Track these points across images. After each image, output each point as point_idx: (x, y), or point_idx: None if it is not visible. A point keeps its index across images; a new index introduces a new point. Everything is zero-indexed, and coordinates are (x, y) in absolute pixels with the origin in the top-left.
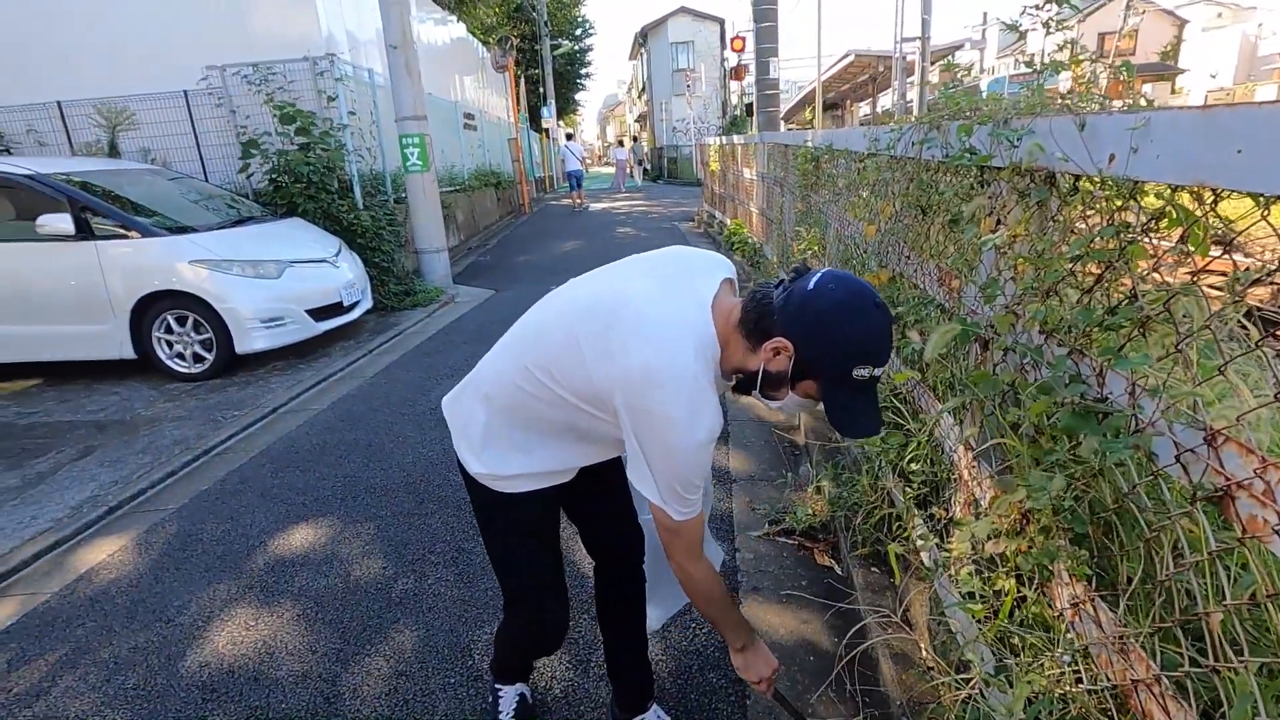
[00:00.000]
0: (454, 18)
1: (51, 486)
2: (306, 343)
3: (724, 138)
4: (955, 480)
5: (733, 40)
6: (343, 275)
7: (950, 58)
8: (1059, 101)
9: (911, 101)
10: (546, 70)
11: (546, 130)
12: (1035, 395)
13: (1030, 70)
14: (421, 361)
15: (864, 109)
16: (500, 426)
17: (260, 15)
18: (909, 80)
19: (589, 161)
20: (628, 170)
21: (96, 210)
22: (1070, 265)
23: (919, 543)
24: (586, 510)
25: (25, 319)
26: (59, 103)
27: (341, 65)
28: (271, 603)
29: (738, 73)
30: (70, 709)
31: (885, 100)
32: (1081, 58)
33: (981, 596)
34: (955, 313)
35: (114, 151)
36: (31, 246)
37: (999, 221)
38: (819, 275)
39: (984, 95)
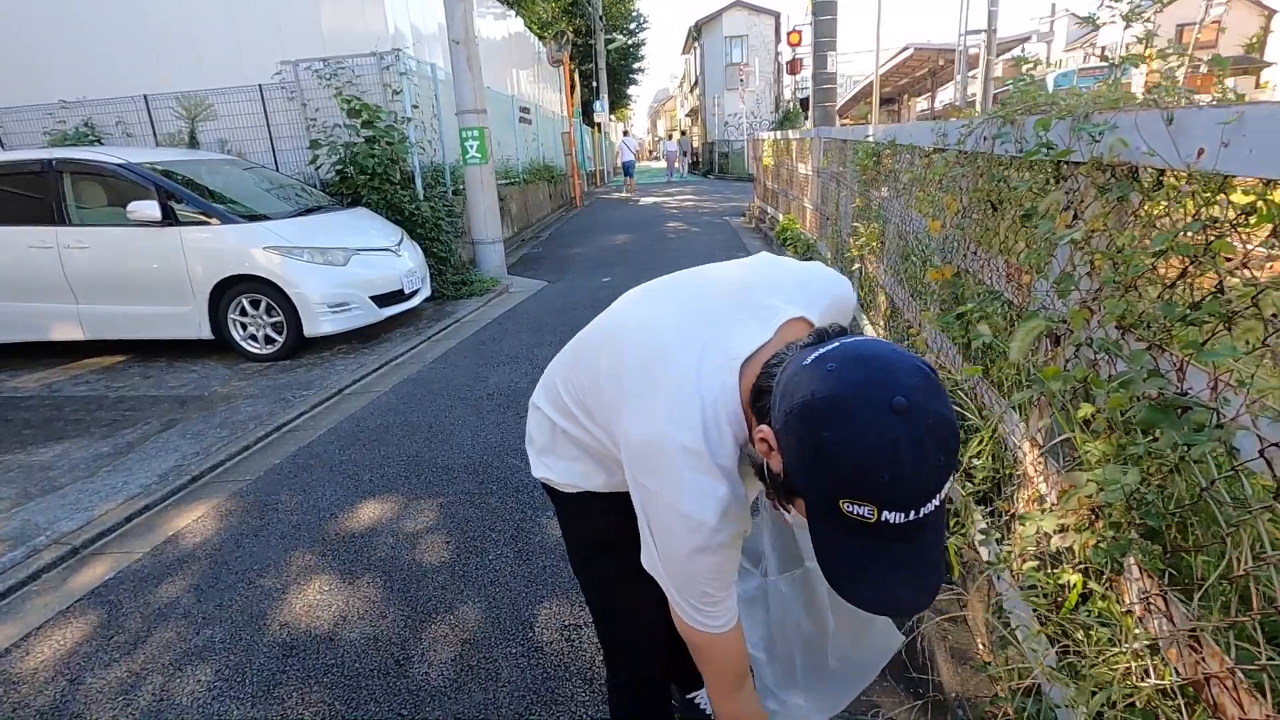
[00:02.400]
0: (512, 13)
1: (140, 455)
2: (369, 328)
3: (778, 132)
4: (1019, 476)
5: (789, 34)
6: (404, 264)
7: (1021, 49)
8: (1140, 97)
9: (974, 96)
10: (600, 65)
11: (599, 124)
12: (1113, 390)
13: (1104, 64)
14: (477, 349)
15: (921, 104)
16: (558, 435)
17: (332, 12)
18: (970, 74)
19: (640, 156)
20: (675, 163)
21: (180, 198)
22: (1152, 260)
23: (978, 538)
24: None
25: (117, 299)
26: (145, 96)
27: (406, 60)
28: (343, 570)
29: (793, 67)
30: (162, 661)
31: (944, 95)
32: (1163, 50)
33: (1044, 591)
34: (1024, 308)
35: (194, 142)
36: (122, 231)
37: (1075, 216)
38: (830, 347)
39: (1050, 90)
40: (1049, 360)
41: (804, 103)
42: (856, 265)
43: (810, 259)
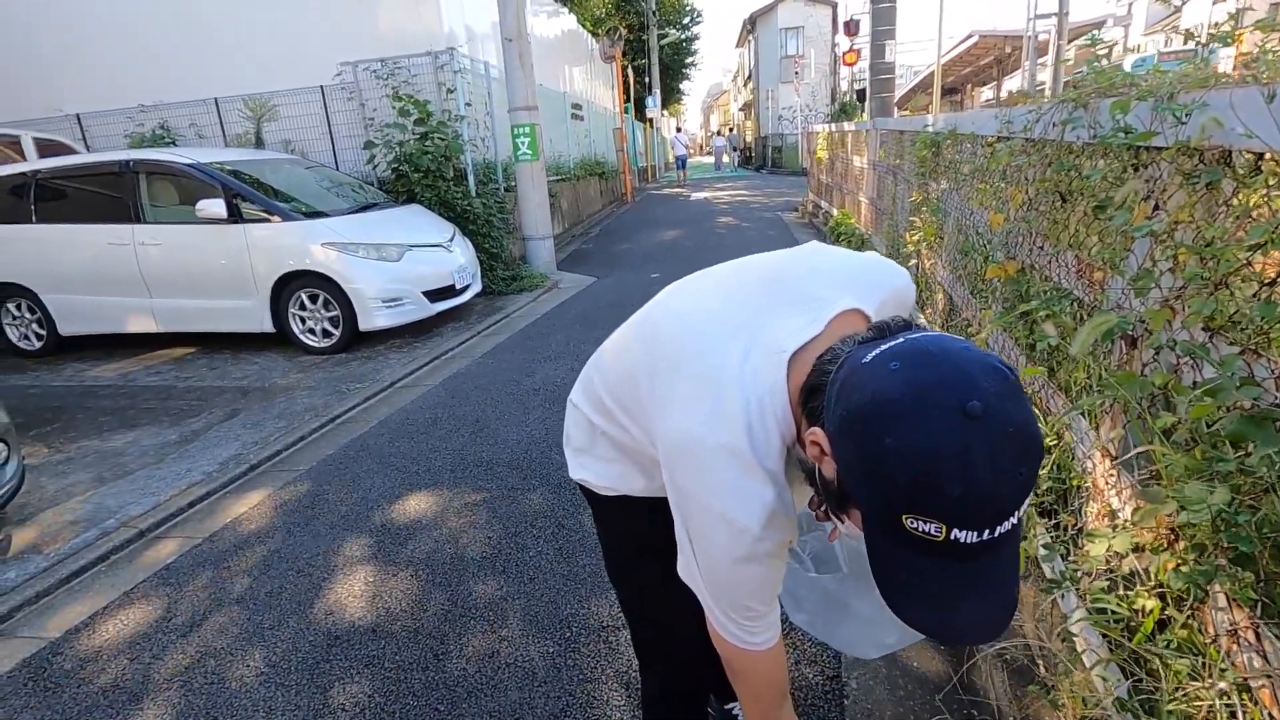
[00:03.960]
0: (565, 9)
1: (204, 443)
2: (420, 322)
3: (833, 125)
4: (1088, 488)
5: (846, 24)
6: (456, 260)
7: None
8: (1234, 76)
9: (1042, 84)
10: (652, 60)
11: (650, 120)
12: (1198, 398)
13: (1188, 48)
14: (526, 344)
15: (986, 94)
16: (596, 435)
17: (388, 13)
18: (1040, 61)
19: (691, 150)
20: (723, 157)
21: (245, 196)
22: (1247, 255)
23: (1040, 552)
24: None
25: (187, 293)
26: (215, 99)
27: (460, 59)
28: (387, 562)
29: (850, 58)
30: (218, 644)
31: (1010, 84)
32: (1262, 22)
33: (1115, 614)
34: (1097, 306)
35: (259, 142)
36: (192, 228)
37: (1156, 207)
38: (894, 343)
39: (1098, 66)
40: (1124, 364)
41: (861, 94)
42: (913, 261)
43: None
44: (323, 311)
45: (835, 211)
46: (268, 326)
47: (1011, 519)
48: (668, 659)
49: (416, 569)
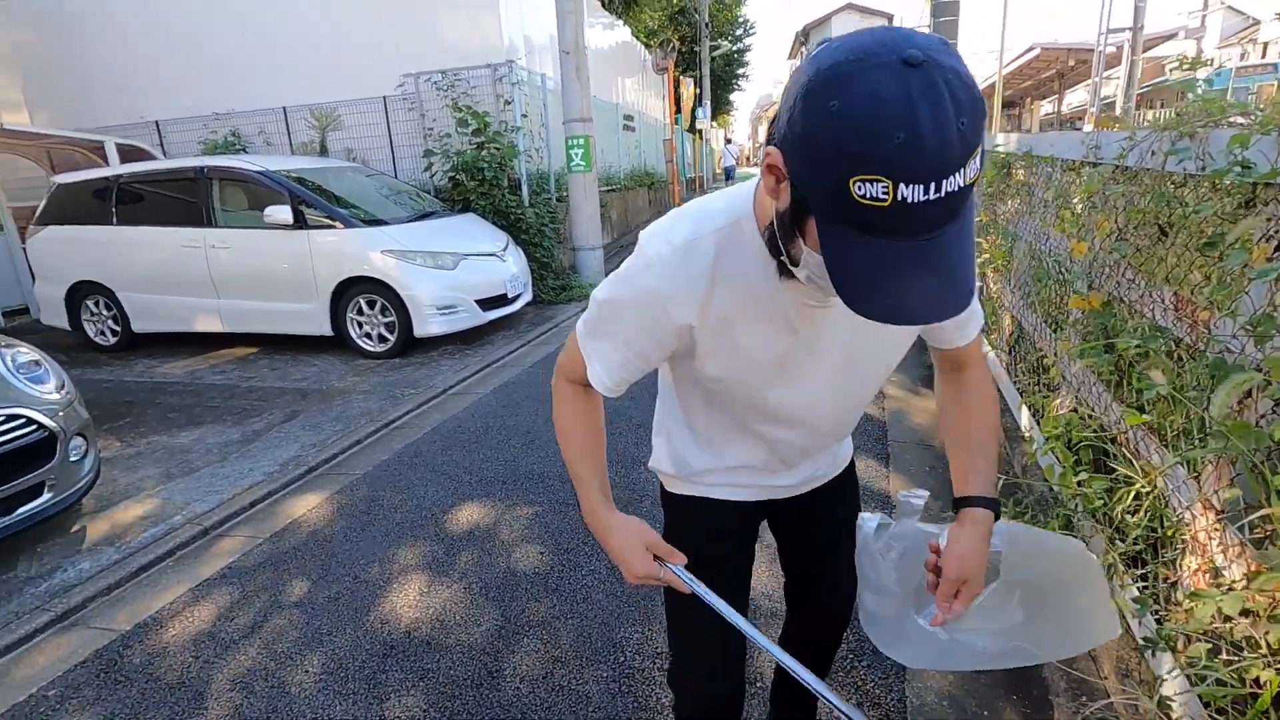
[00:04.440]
0: (620, 22)
1: (265, 443)
2: (472, 330)
3: None
4: (1185, 541)
5: None
6: (509, 269)
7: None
8: None
9: (1110, 98)
10: (704, 72)
11: (699, 131)
12: None
13: (1271, 60)
14: None
15: (1045, 107)
16: (659, 405)
17: (450, 26)
18: (1107, 74)
19: (740, 162)
20: None
21: (309, 203)
22: None
23: (1131, 607)
24: (787, 550)
25: (252, 295)
26: (284, 108)
27: (518, 71)
28: (441, 573)
29: None
30: (278, 646)
31: (1073, 97)
32: None
33: (1221, 682)
34: (1200, 349)
35: (324, 150)
36: (259, 233)
37: (1278, 248)
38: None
39: (1199, 91)
40: (1236, 413)
41: None
42: (978, 284)
43: None
44: (379, 317)
45: None
46: (326, 330)
47: (957, 177)
48: (689, 670)
49: (469, 582)
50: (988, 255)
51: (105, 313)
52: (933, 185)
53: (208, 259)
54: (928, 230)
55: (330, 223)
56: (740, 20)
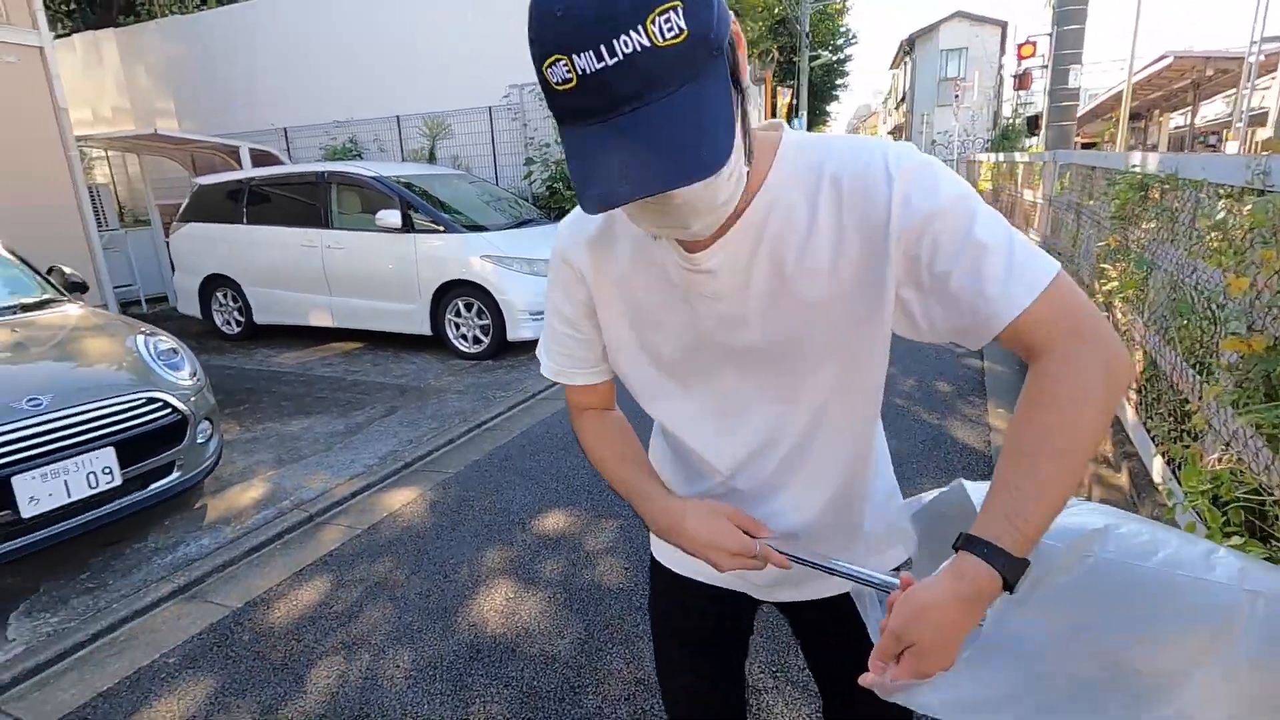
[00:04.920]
0: None
1: (366, 436)
2: None
3: (998, 154)
4: None
5: (1020, 46)
6: None
7: None
8: None
9: (1259, 110)
10: (801, 82)
11: None
12: None
13: None
14: None
15: (1176, 119)
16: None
17: None
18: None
19: None
20: None
21: (416, 208)
22: None
23: None
24: (809, 641)
25: (360, 294)
26: (397, 117)
27: None
28: (527, 579)
29: (1022, 80)
30: (372, 638)
31: (1208, 109)
32: None
33: None
34: None
35: (432, 158)
36: (370, 235)
37: None
38: None
39: None
40: None
41: (1031, 120)
42: (1104, 314)
43: None
44: (475, 319)
45: None
46: (426, 330)
47: (635, 36)
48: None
49: (554, 590)
50: (1116, 283)
51: (232, 304)
52: (604, 48)
53: (323, 258)
54: (626, 103)
55: (435, 227)
56: (842, 30)
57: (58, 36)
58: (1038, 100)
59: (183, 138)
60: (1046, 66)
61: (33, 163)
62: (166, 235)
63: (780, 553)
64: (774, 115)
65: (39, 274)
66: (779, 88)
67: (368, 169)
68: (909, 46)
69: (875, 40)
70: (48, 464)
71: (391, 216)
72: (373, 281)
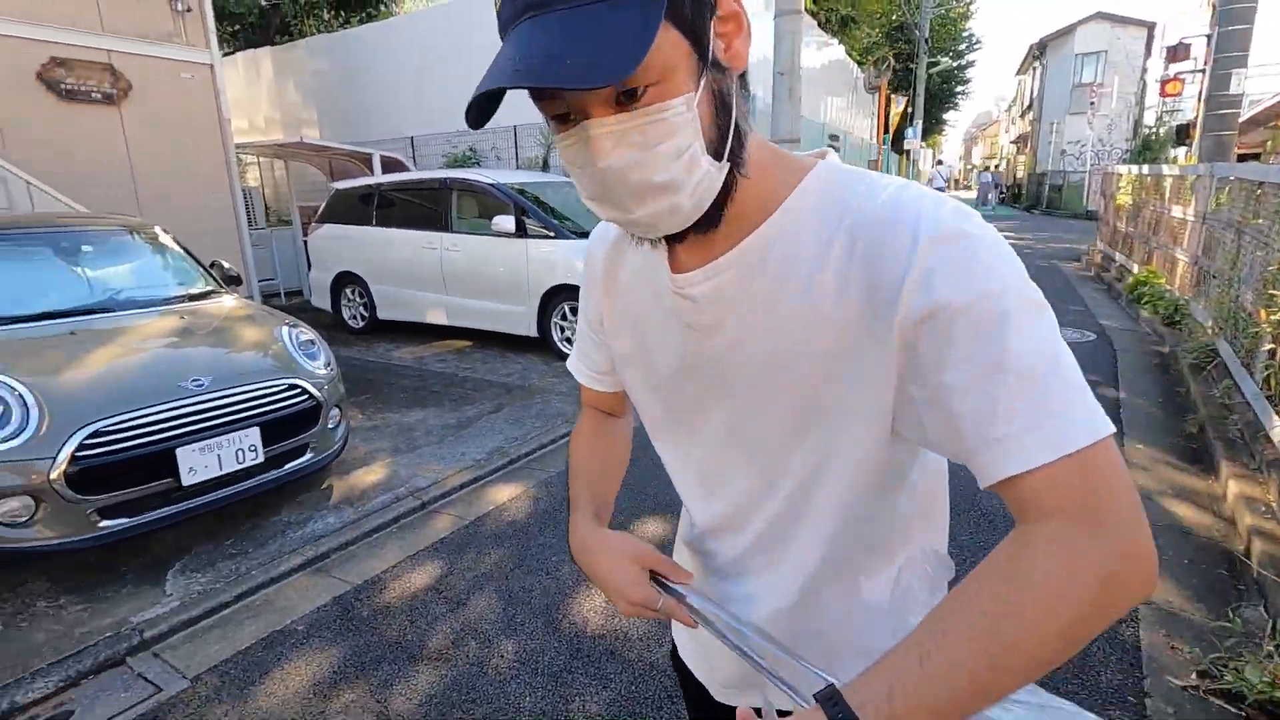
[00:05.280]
0: (834, 40)
1: (475, 431)
2: None
3: (1141, 166)
4: None
5: (1171, 49)
6: None
7: None
8: None
9: None
10: (918, 90)
11: (908, 152)
12: None
13: None
14: None
15: None
16: None
17: None
18: None
19: (950, 185)
20: (988, 194)
21: (529, 214)
22: None
23: None
24: None
25: (473, 295)
26: (515, 126)
27: None
28: None
29: (1172, 87)
30: (479, 626)
31: None
32: None
33: None
34: None
35: (545, 166)
36: (486, 239)
37: None
38: None
39: None
40: None
41: (1181, 129)
42: (1269, 345)
43: (1176, 323)
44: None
45: (1136, 267)
46: (532, 331)
47: None
48: None
49: None
50: None
51: (359, 300)
52: None
53: (441, 260)
54: (539, 6)
55: (546, 233)
56: (965, 34)
57: (224, 55)
58: (1186, 108)
59: (323, 145)
60: (1202, 70)
61: (200, 166)
62: (304, 234)
63: (693, 610)
64: (886, 124)
65: (202, 267)
66: (893, 95)
67: (486, 176)
68: (1039, 50)
69: (1001, 45)
70: (205, 439)
71: (506, 222)
72: (486, 283)
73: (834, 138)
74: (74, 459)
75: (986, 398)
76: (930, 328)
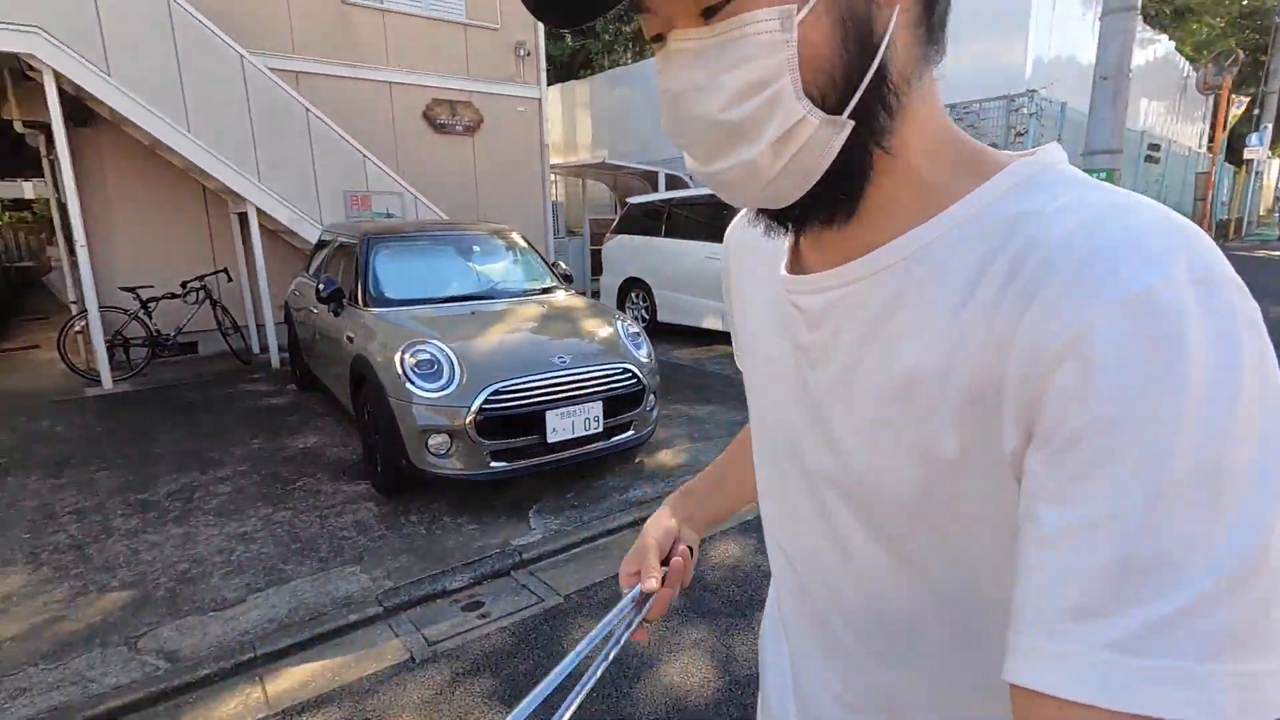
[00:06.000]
0: (1163, 37)
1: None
2: None
3: None
4: None
5: None
6: None
7: None
8: None
9: None
10: (1273, 87)
11: (1247, 163)
12: None
13: None
14: None
15: None
16: None
17: (969, 57)
18: None
19: None
20: None
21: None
22: None
23: None
24: None
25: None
26: None
27: (1040, 100)
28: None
29: None
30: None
31: None
32: None
33: None
34: None
35: None
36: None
37: None
38: None
39: None
40: None
41: None
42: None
43: None
44: None
45: None
46: None
47: None
48: None
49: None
50: None
51: (642, 303)
52: None
53: (721, 270)
54: None
55: None
56: None
57: None
58: None
59: (618, 165)
60: None
61: (524, 183)
62: (591, 245)
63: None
64: (1224, 129)
65: (547, 265)
66: (1234, 96)
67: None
68: None
69: None
70: (565, 406)
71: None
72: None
73: (1154, 147)
74: (480, 410)
75: (1057, 561)
76: (1047, 416)
